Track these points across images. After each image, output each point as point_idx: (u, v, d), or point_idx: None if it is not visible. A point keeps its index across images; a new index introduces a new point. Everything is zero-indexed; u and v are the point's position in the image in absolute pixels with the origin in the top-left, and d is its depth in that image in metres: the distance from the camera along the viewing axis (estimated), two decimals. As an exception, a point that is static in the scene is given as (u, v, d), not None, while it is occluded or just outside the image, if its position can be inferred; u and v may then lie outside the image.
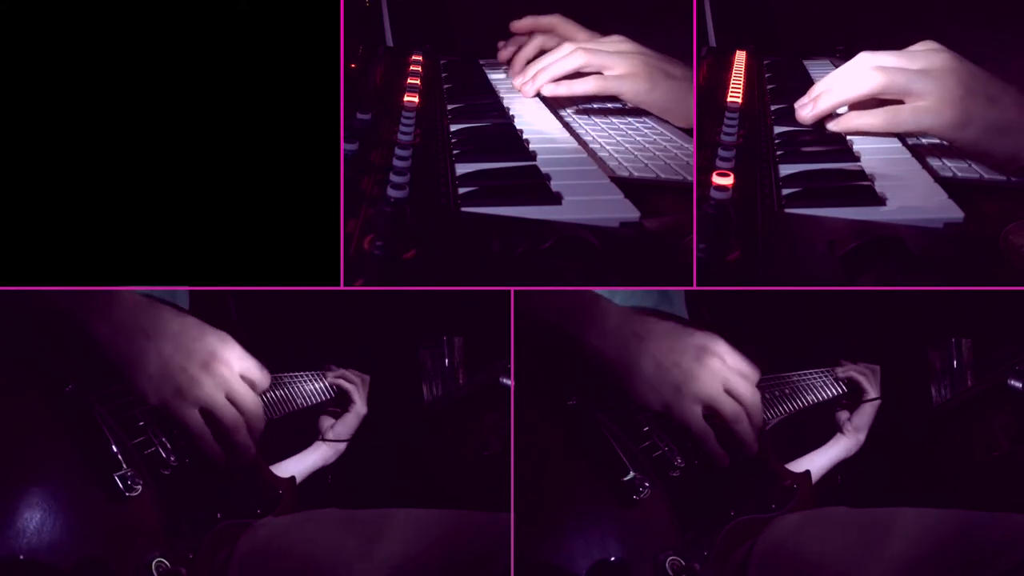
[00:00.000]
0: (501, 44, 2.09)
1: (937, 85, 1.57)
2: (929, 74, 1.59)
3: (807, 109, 1.69)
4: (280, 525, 1.47)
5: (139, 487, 1.40)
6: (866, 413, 1.58)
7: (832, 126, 1.68)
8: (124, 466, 1.40)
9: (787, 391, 1.56)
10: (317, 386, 1.60)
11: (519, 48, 2.04)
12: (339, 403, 1.61)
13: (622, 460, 1.45)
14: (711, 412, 1.46)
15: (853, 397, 1.58)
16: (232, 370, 1.46)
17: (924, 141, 1.71)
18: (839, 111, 1.71)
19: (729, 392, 1.46)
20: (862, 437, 1.58)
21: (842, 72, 1.67)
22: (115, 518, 1.38)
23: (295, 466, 1.56)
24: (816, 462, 1.55)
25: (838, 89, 1.66)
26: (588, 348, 1.49)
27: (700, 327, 1.49)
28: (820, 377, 1.58)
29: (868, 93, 1.64)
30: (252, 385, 1.47)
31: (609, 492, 1.43)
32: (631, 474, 1.44)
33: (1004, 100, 1.56)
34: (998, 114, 1.55)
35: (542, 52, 1.98)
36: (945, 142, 1.65)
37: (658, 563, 1.39)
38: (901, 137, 1.70)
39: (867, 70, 1.63)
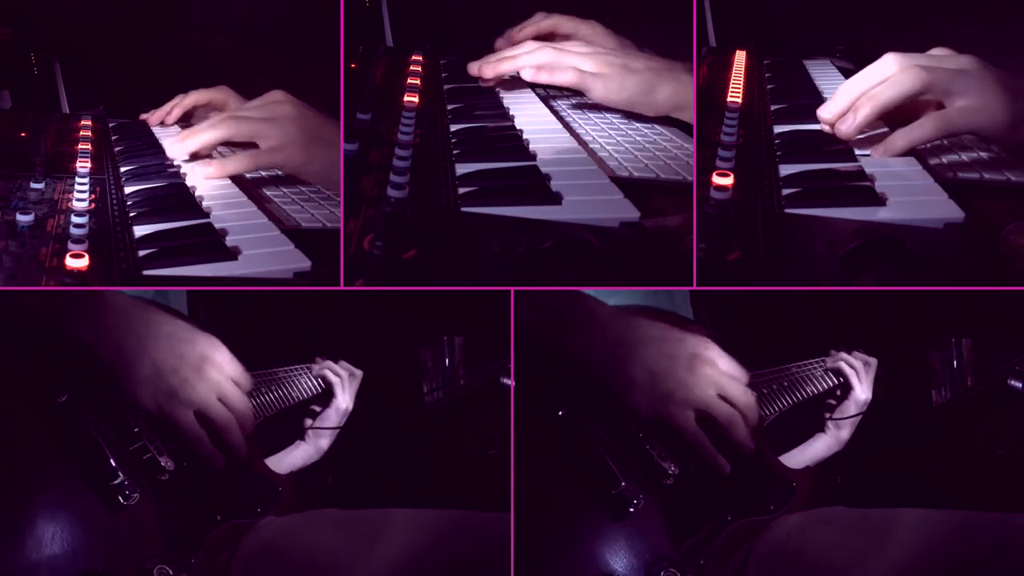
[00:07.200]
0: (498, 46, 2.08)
1: (977, 84, 1.53)
2: (968, 73, 1.54)
3: (847, 123, 1.58)
4: (281, 526, 1.47)
5: (136, 495, 1.40)
6: (850, 410, 1.55)
7: (877, 153, 1.57)
8: (120, 475, 1.40)
9: (786, 383, 1.56)
10: (312, 382, 1.59)
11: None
12: (324, 396, 1.59)
13: (613, 471, 1.44)
14: (705, 417, 1.46)
15: (842, 390, 1.56)
16: (223, 372, 1.47)
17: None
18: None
19: (723, 396, 1.46)
20: (845, 435, 1.55)
21: (873, 75, 1.58)
22: (114, 528, 1.38)
23: (274, 466, 1.54)
24: (792, 460, 1.53)
25: (876, 93, 1.56)
26: (574, 356, 1.49)
27: (691, 331, 1.49)
28: (819, 367, 1.58)
29: (912, 92, 1.55)
30: (238, 386, 1.48)
31: (600, 506, 1.42)
32: (622, 485, 1.43)
33: None
34: None
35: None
36: (991, 143, 1.60)
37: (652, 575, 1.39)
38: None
39: (908, 68, 1.55)
